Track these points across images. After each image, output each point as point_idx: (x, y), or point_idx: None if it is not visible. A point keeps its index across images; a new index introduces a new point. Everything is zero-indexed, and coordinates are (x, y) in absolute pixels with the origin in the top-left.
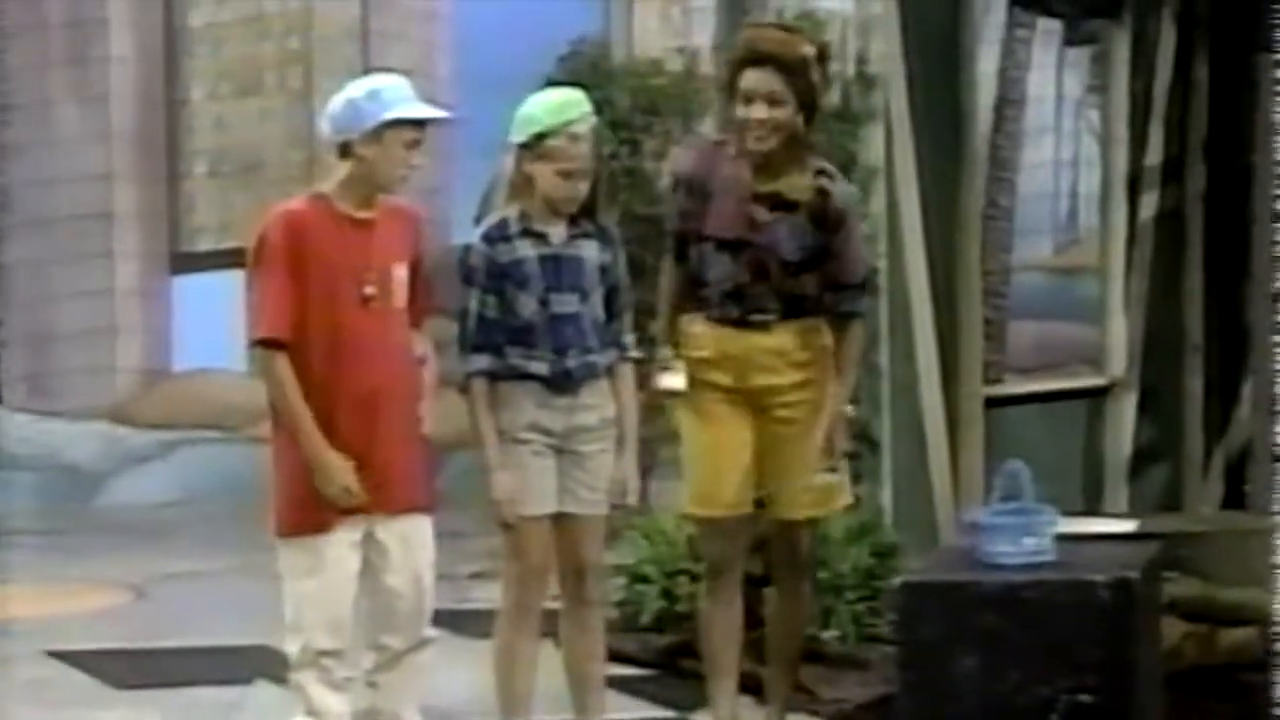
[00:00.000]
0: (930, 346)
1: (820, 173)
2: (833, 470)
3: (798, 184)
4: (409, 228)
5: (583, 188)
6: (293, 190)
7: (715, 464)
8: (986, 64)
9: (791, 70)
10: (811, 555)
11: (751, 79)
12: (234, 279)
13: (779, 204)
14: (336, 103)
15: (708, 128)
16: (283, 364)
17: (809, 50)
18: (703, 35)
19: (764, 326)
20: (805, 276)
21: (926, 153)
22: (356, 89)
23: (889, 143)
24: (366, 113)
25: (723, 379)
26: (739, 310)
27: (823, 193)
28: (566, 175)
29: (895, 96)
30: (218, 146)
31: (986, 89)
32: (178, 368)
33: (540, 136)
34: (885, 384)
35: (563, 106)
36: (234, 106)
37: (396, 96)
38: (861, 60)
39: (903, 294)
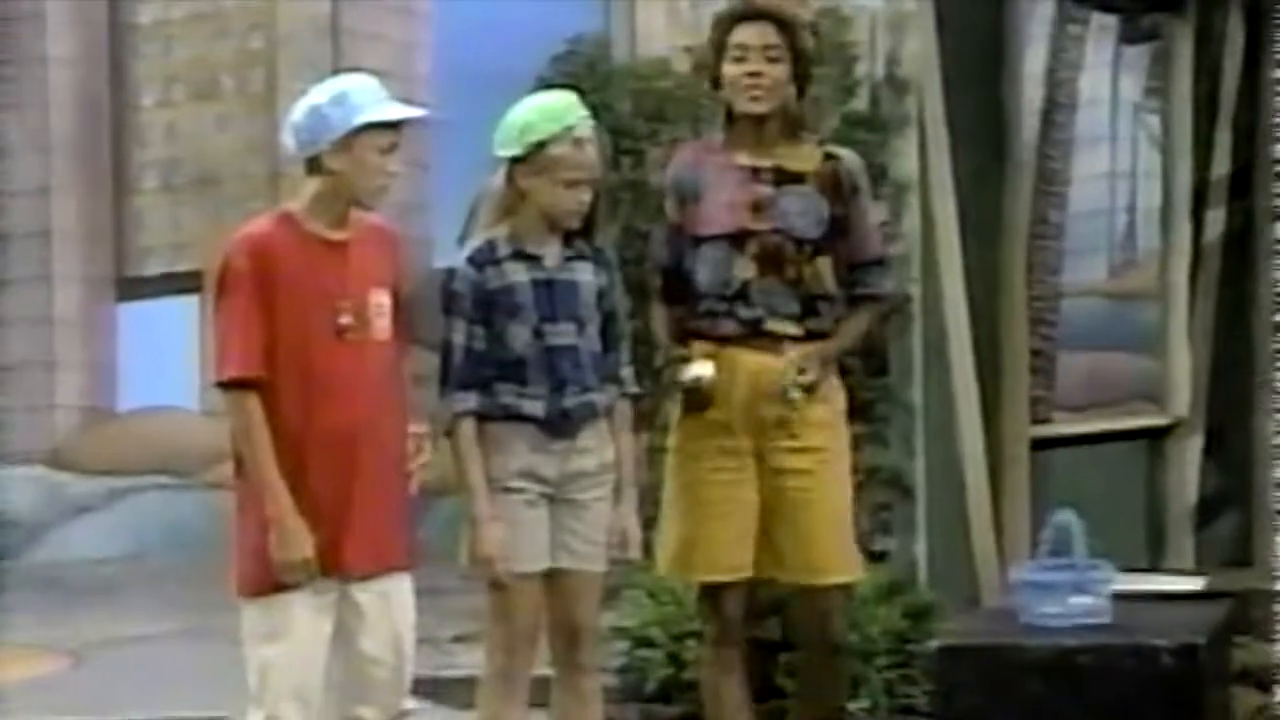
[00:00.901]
0: (969, 382)
1: (820, 144)
2: (802, 389)
3: (801, 153)
4: (388, 249)
5: (587, 198)
6: (254, 206)
7: (709, 519)
8: (1033, 64)
9: (789, 28)
10: (844, 626)
11: (746, 32)
12: (188, 306)
13: (783, 176)
14: (298, 112)
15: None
16: (253, 406)
17: (805, 14)
18: None
19: (775, 343)
20: (821, 260)
21: (965, 164)
22: (319, 94)
23: (923, 153)
24: (333, 120)
25: (722, 415)
26: (749, 313)
27: (830, 157)
28: (572, 185)
29: (930, 101)
30: (170, 157)
31: (1033, 92)
32: (124, 406)
33: (540, 145)
34: (919, 424)
35: (562, 110)
36: (188, 113)
37: (366, 98)
38: (892, 61)
39: (938, 323)
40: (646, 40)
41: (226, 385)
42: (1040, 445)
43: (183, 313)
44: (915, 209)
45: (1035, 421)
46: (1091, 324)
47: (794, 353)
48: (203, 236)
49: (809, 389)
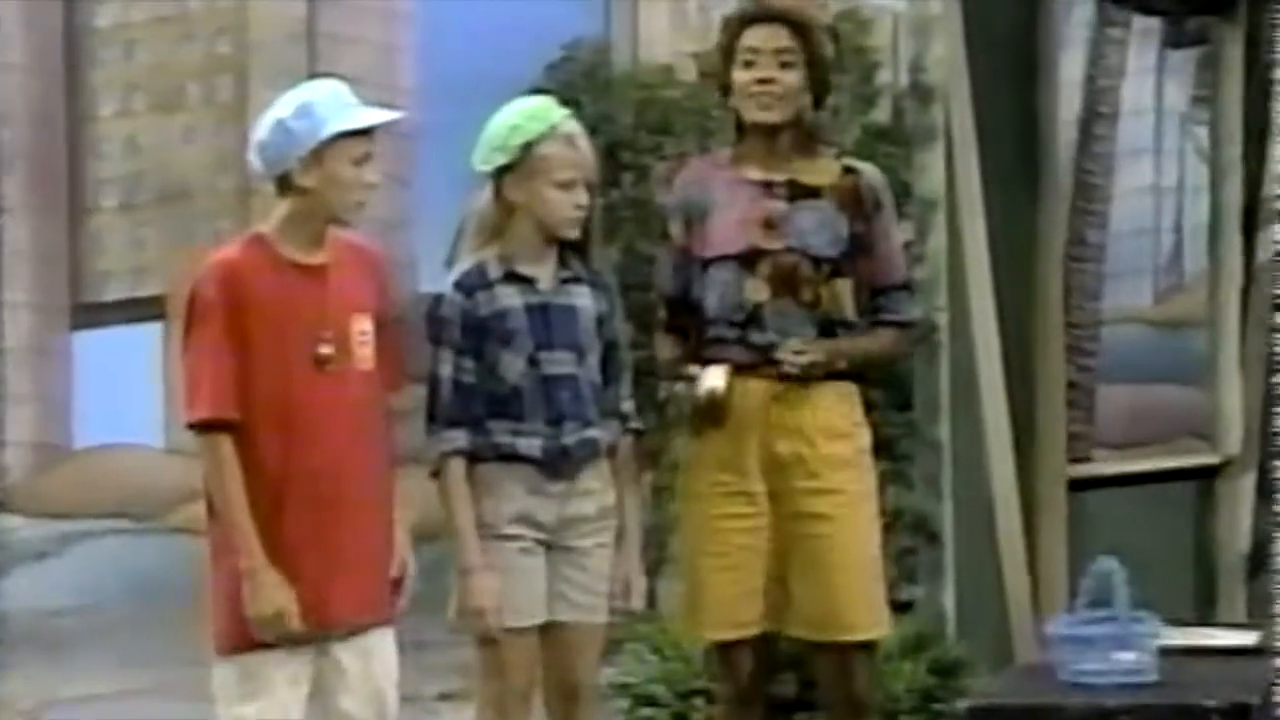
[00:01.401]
0: (1001, 417)
1: (839, 157)
2: (799, 369)
3: (818, 166)
4: (371, 271)
5: (585, 201)
6: (224, 225)
7: (719, 569)
8: (1070, 70)
9: (804, 30)
10: (870, 685)
11: (756, 35)
12: (150, 334)
13: (798, 191)
14: (262, 128)
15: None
16: (227, 449)
17: (822, 15)
18: None
19: (792, 372)
20: (840, 283)
21: (997, 180)
22: (283, 107)
23: (950, 169)
24: (300, 134)
25: (733, 452)
26: (761, 338)
27: (850, 170)
28: (567, 186)
29: (958, 112)
30: (130, 173)
31: (1070, 101)
32: (80, 443)
33: (528, 147)
34: (946, 463)
35: (544, 109)
36: (150, 124)
37: (333, 107)
38: (917, 68)
39: (967, 353)
40: (649, 45)
41: (197, 427)
42: (1079, 486)
43: (144, 342)
44: (942, 229)
45: (1073, 460)
46: (1134, 353)
47: (794, 340)
48: (167, 259)
49: (806, 373)
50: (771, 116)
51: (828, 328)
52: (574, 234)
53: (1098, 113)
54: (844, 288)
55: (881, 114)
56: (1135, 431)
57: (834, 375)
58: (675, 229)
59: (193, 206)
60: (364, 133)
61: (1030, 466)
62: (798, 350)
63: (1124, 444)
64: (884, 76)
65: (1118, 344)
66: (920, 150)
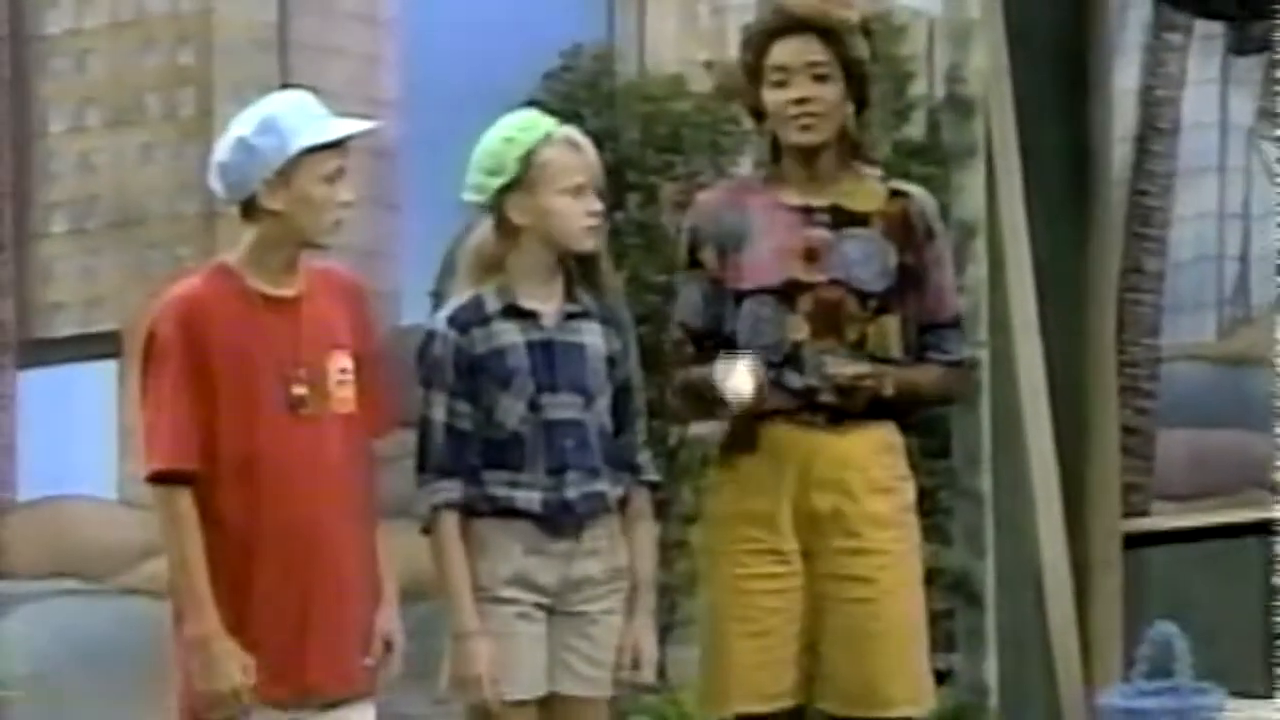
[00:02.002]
0: (1049, 466)
1: (887, 179)
2: (838, 384)
3: (863, 189)
4: (350, 303)
5: (598, 207)
6: (185, 254)
7: (746, 635)
8: (1125, 81)
9: (834, 37)
10: None
11: (784, 51)
12: (103, 373)
13: (842, 217)
14: (223, 148)
15: (747, 169)
16: (184, 505)
17: (854, 15)
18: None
19: (832, 420)
20: (887, 320)
21: (1043, 202)
22: (243, 124)
23: (991, 189)
24: (264, 152)
25: (764, 505)
26: (800, 382)
27: (899, 195)
28: (578, 192)
29: (1000, 127)
30: (83, 195)
31: (1125, 115)
32: (25, 495)
33: (527, 158)
34: (988, 517)
35: (534, 119)
36: (105, 142)
37: (299, 119)
38: (954, 78)
39: (1011, 395)
40: (657, 52)
41: (153, 479)
42: (1135, 542)
43: (97, 382)
44: (982, 256)
45: (1129, 514)
46: (1196, 394)
47: (839, 356)
48: (123, 290)
49: (847, 389)
50: (815, 137)
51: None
52: (591, 245)
53: (1155, 127)
54: (892, 325)
55: (915, 129)
56: (1198, 481)
57: (877, 415)
58: (708, 255)
59: (151, 233)
60: (336, 146)
61: (1081, 521)
62: (842, 366)
63: (1185, 495)
64: (918, 88)
65: (1178, 384)
66: (958, 169)
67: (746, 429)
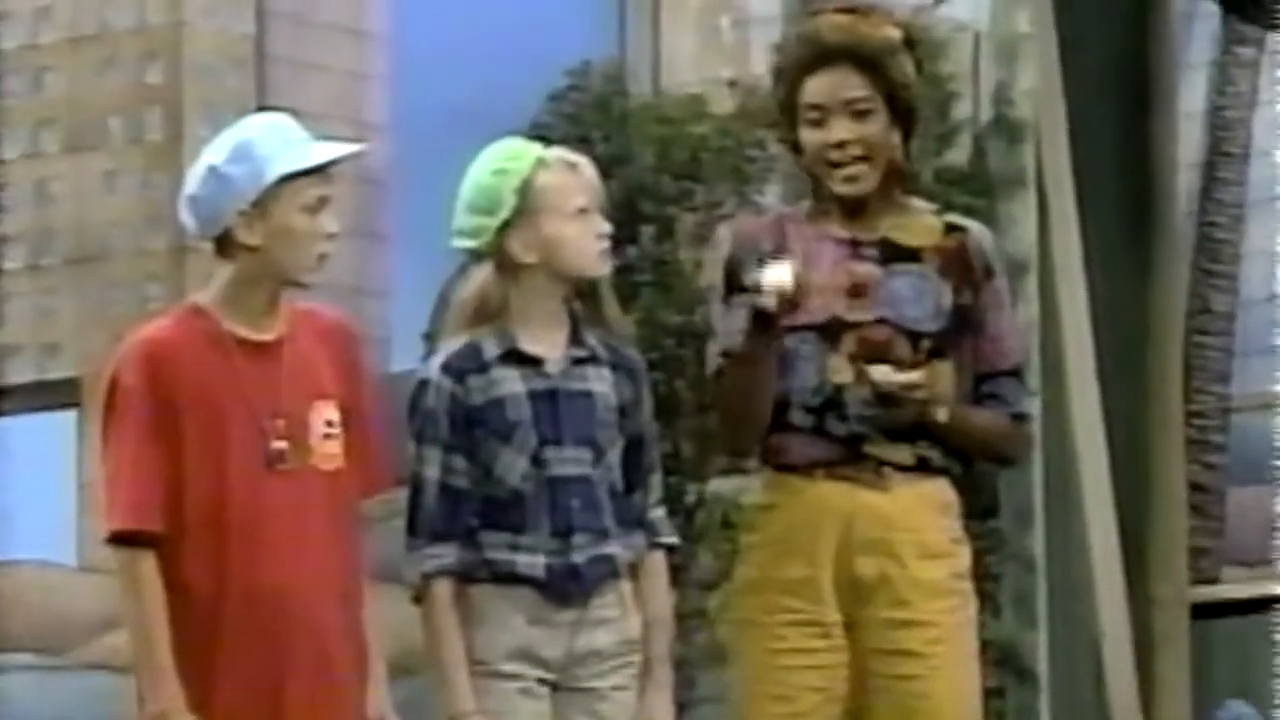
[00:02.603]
0: (1108, 528)
1: (941, 212)
2: (898, 389)
3: (915, 223)
4: (337, 347)
5: (607, 229)
6: (152, 293)
7: (783, 717)
8: (1191, 101)
9: (876, 64)
10: None
11: (819, 87)
12: (62, 424)
13: (892, 252)
14: (193, 179)
15: (774, 198)
16: (148, 569)
17: (894, 33)
18: (766, 60)
19: (877, 473)
20: (941, 365)
21: (1099, 235)
22: (215, 151)
23: (1043, 222)
24: (237, 182)
25: (802, 571)
26: (843, 429)
27: (956, 229)
28: (582, 214)
29: (1052, 153)
30: (39, 227)
31: (1190, 138)
32: None
33: (524, 187)
34: (1040, 584)
35: (523, 146)
36: (64, 168)
37: (276, 144)
38: (1002, 99)
39: (1065, 449)
40: (673, 70)
41: (114, 539)
42: (1204, 612)
43: (55, 434)
44: (1033, 295)
45: (1197, 581)
46: (1271, 448)
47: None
48: (84, 333)
49: (896, 398)
50: (860, 189)
51: (930, 426)
52: (605, 269)
53: (1224, 152)
54: (945, 370)
55: (958, 154)
56: (1273, 545)
57: (927, 470)
58: (750, 277)
59: (115, 270)
60: (317, 172)
61: (1144, 589)
62: (890, 373)
63: (1259, 561)
64: (961, 109)
65: (1250, 437)
66: (1006, 199)
67: (772, 326)
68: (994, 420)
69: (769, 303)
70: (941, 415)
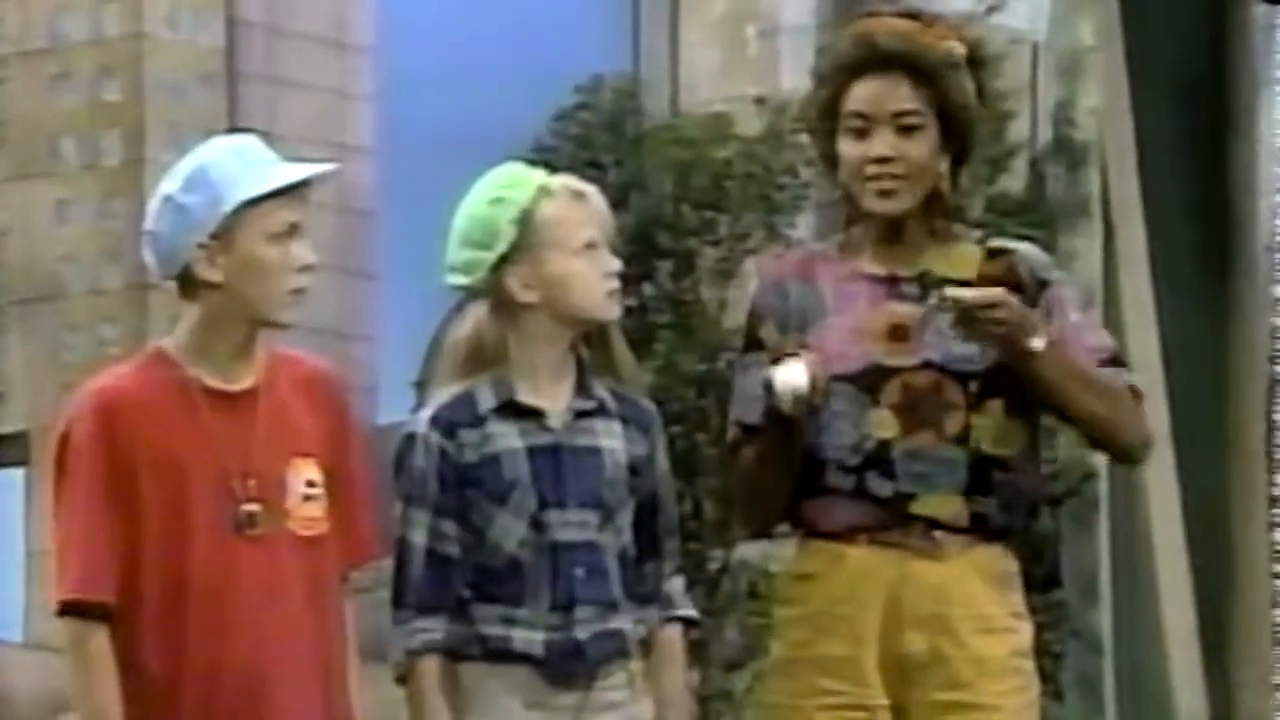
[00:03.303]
0: (1184, 602)
1: (984, 239)
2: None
3: (957, 252)
4: (321, 399)
5: (617, 267)
6: (108, 336)
7: None
8: (1272, 119)
9: (933, 77)
10: None
11: (866, 93)
12: (8, 485)
13: (935, 287)
14: (151, 214)
15: (806, 231)
16: (100, 645)
17: (957, 48)
18: (797, 75)
19: (926, 536)
20: (997, 404)
21: (1172, 270)
22: (170, 180)
23: (1109, 255)
24: (195, 212)
25: (844, 649)
26: (888, 489)
27: (1000, 253)
28: (590, 250)
29: (1119, 178)
30: None
31: (1272, 162)
32: None
33: (524, 219)
34: (1107, 666)
35: (521, 172)
36: (11, 197)
37: (236, 168)
38: (1063, 119)
39: (1135, 513)
40: (694, 87)
41: (64, 611)
42: None
43: (1, 495)
44: None
45: None
46: None
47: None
48: (33, 382)
49: (984, 319)
50: (895, 206)
51: (981, 469)
52: (614, 314)
53: None
54: (1000, 411)
55: (1013, 181)
56: None
57: (984, 532)
58: (769, 335)
59: (69, 310)
60: (285, 194)
61: (1223, 670)
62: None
63: None
64: (1017, 130)
65: None
66: (1067, 230)
67: (787, 437)
68: (1104, 374)
69: (784, 406)
70: (1037, 342)
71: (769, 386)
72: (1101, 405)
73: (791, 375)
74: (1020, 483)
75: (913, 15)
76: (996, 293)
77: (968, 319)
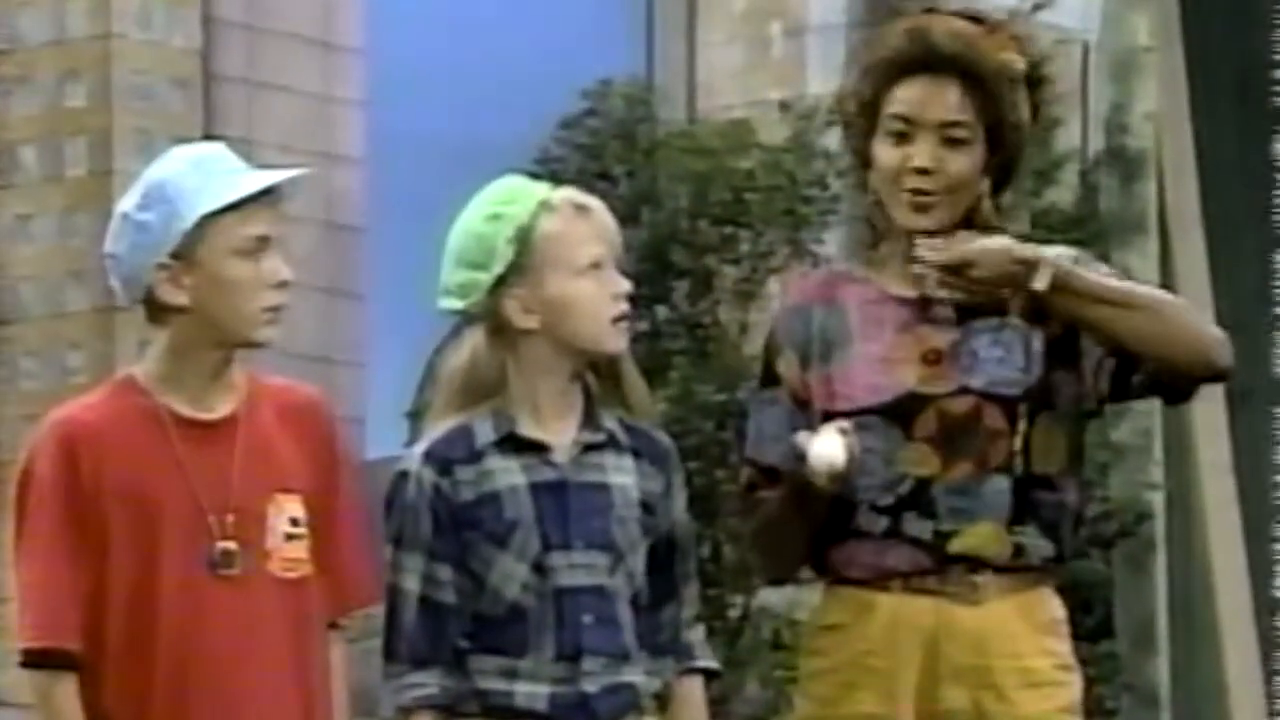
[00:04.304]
0: (1248, 656)
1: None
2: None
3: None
4: (307, 428)
5: (626, 288)
6: (74, 364)
7: None
8: None
9: (987, 88)
10: None
11: (912, 95)
12: None
13: (969, 309)
14: (110, 233)
15: (835, 247)
16: (65, 695)
17: (1017, 61)
18: (826, 77)
19: (967, 578)
20: (1043, 430)
21: (1234, 290)
22: (128, 197)
23: (1166, 274)
24: (154, 230)
25: (876, 705)
26: (925, 529)
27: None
28: (595, 269)
29: (1178, 189)
30: None
31: None
32: None
33: (524, 235)
34: None
35: (521, 185)
36: None
37: (198, 179)
38: (1117, 125)
39: (1195, 554)
40: (712, 91)
41: (26, 660)
42: None
43: None
44: None
45: None
46: None
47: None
48: None
49: (952, 273)
50: (928, 222)
51: (1027, 497)
52: (621, 344)
53: None
54: (1049, 430)
55: (1062, 194)
56: None
57: (1028, 571)
58: (787, 367)
59: (27, 336)
60: (252, 204)
61: None
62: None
63: None
64: (1067, 138)
65: None
66: (1121, 248)
67: (820, 506)
68: (1143, 288)
69: (818, 480)
70: (1039, 282)
71: (803, 457)
72: (1146, 319)
73: (827, 449)
74: (1066, 500)
75: (976, 18)
76: (970, 249)
77: (947, 281)
